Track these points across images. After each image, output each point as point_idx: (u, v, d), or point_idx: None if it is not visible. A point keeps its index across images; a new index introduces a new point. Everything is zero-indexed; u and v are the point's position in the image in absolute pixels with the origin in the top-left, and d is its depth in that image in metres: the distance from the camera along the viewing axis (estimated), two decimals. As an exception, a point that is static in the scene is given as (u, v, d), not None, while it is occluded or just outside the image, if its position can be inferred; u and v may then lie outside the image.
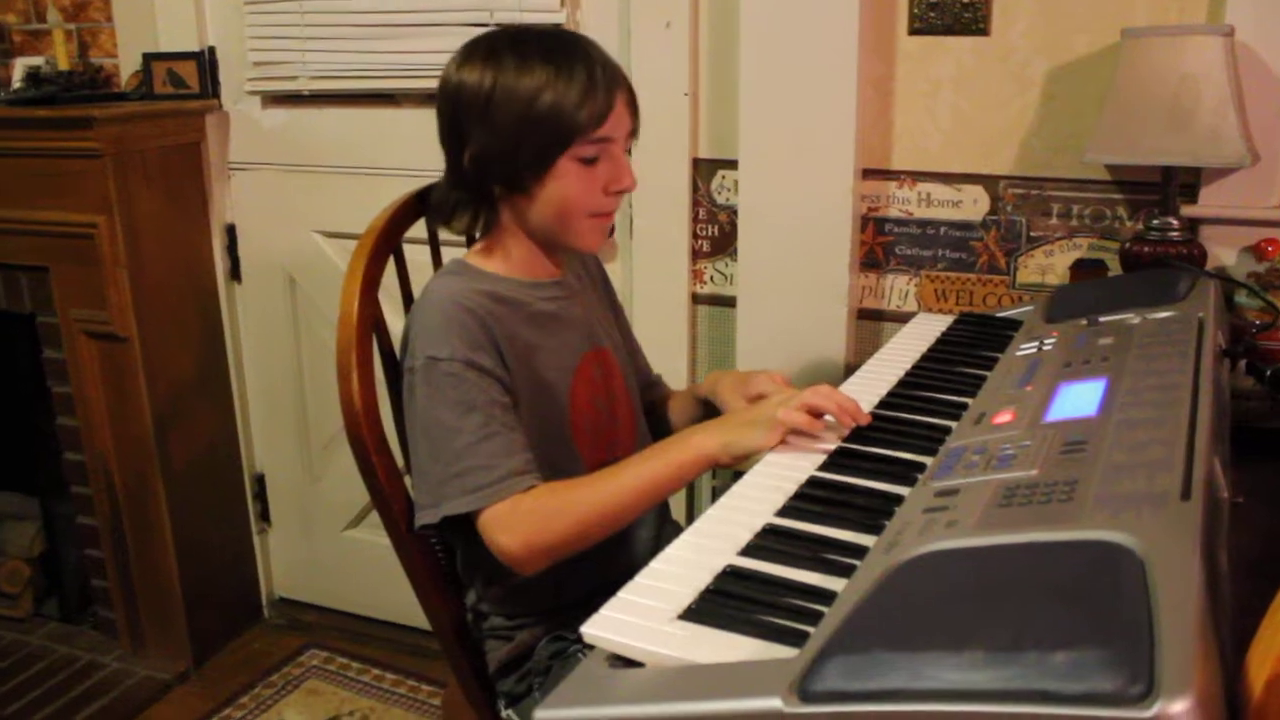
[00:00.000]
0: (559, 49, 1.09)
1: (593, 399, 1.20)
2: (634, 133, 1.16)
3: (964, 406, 1.07)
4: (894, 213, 1.73)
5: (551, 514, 1.03)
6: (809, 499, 0.93)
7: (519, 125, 1.07)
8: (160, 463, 2.10)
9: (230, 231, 2.23)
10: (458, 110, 1.10)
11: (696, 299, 1.89)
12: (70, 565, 2.38)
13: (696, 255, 1.87)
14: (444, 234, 1.33)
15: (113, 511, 2.17)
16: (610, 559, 1.19)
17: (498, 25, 1.19)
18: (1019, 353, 1.17)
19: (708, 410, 1.30)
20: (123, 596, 2.23)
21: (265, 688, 2.16)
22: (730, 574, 0.80)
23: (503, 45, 1.09)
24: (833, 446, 1.03)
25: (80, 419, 2.13)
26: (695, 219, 1.85)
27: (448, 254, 1.33)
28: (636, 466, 1.05)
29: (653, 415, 1.37)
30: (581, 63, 1.08)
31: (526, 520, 1.03)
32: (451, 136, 1.13)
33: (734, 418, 1.08)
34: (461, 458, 1.04)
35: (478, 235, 1.22)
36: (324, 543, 2.35)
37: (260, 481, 2.38)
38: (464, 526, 1.06)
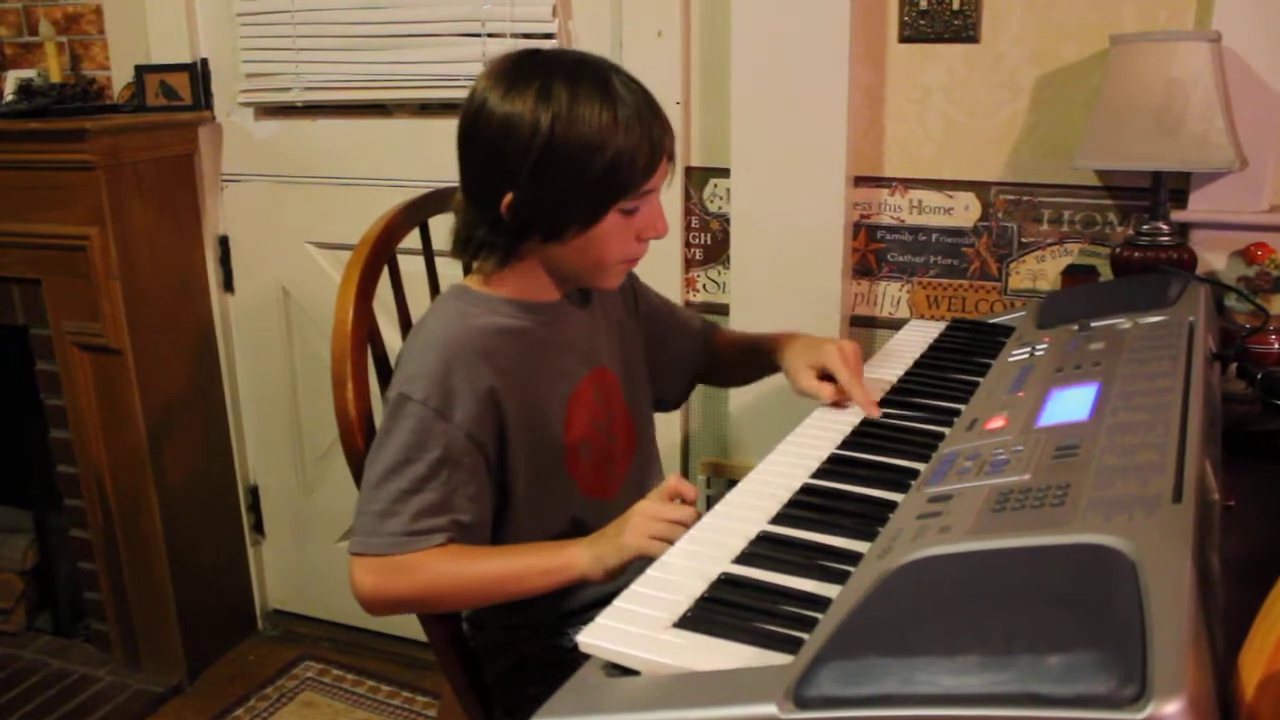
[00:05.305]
0: (611, 91, 1.02)
1: (591, 420, 1.18)
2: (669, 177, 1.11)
3: (957, 412, 1.08)
4: (886, 220, 1.74)
5: (407, 569, 1.03)
6: (803, 506, 0.93)
7: (574, 182, 1.02)
8: (154, 475, 2.10)
9: (223, 243, 2.23)
10: (504, 150, 1.01)
11: (690, 307, 1.89)
12: (63, 578, 2.37)
13: (689, 264, 1.87)
14: (439, 242, 1.33)
15: (106, 524, 2.16)
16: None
17: (529, 48, 1.08)
18: (1011, 358, 1.17)
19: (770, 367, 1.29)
20: (116, 610, 2.22)
21: (260, 700, 2.15)
22: (725, 582, 0.81)
23: (557, 83, 1.01)
24: (825, 453, 1.04)
25: (73, 432, 2.13)
26: (688, 227, 1.85)
27: (443, 265, 1.33)
28: (506, 558, 1.04)
29: (715, 367, 1.39)
30: (634, 112, 1.02)
31: (386, 566, 1.03)
32: (488, 176, 1.04)
33: (610, 530, 1.02)
34: (389, 499, 1.03)
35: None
36: (318, 554, 2.34)
37: (254, 493, 2.38)
38: None
